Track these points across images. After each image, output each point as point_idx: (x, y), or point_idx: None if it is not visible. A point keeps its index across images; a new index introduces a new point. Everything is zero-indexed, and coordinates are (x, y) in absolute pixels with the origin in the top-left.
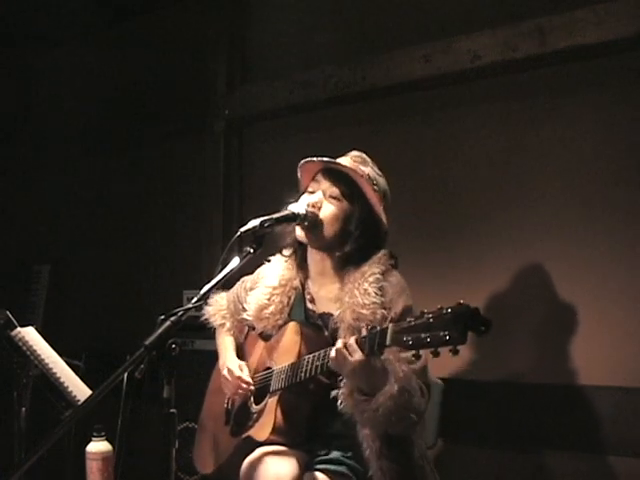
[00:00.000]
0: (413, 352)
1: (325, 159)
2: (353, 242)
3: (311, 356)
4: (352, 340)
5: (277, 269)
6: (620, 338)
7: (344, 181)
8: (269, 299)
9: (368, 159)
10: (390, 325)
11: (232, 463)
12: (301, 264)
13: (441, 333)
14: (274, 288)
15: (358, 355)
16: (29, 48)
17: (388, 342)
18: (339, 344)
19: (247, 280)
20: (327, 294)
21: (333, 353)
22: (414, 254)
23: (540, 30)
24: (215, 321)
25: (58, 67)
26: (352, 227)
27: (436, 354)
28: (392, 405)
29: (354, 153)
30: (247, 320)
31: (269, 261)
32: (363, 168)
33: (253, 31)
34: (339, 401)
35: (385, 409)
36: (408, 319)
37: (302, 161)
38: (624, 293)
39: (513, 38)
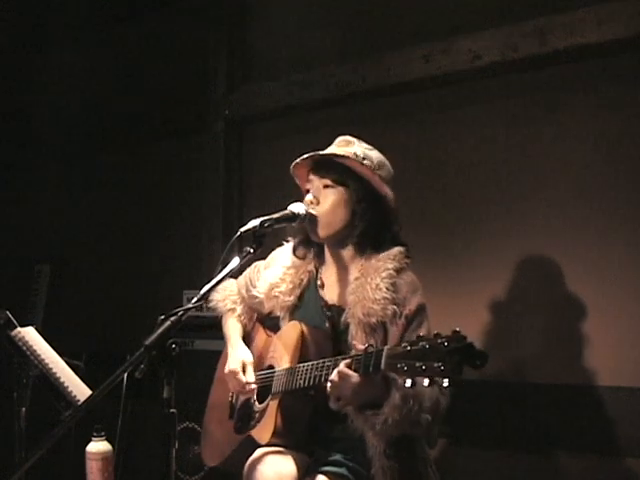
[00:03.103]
0: (407, 379)
1: (305, 155)
2: (360, 219)
3: (311, 364)
4: (343, 366)
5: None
6: (625, 337)
7: (332, 169)
8: (281, 278)
9: (353, 139)
10: (385, 348)
11: (235, 459)
12: (318, 252)
13: (435, 364)
14: (287, 268)
15: (354, 378)
16: (29, 48)
17: (383, 366)
18: (333, 375)
19: (260, 265)
20: (338, 285)
21: (329, 383)
22: (416, 253)
23: (540, 30)
24: (225, 306)
25: (58, 67)
26: (355, 206)
27: (431, 383)
28: (398, 415)
29: (339, 138)
30: (257, 297)
31: (286, 242)
32: (348, 149)
33: (253, 31)
34: (349, 419)
35: (393, 419)
36: (403, 344)
37: (291, 167)
38: (629, 292)
39: (513, 38)
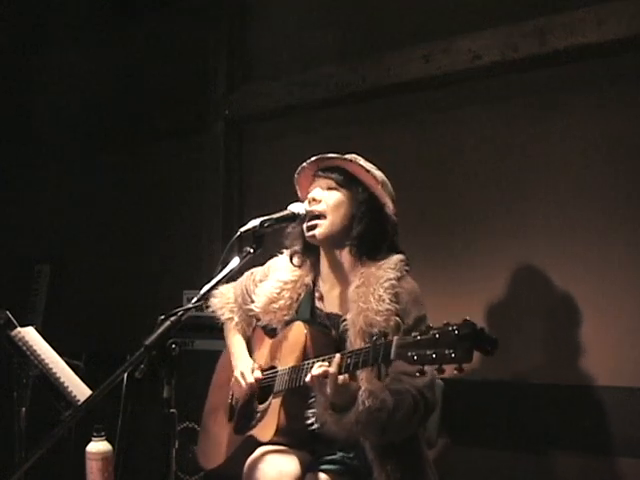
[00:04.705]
0: (418, 367)
1: (313, 158)
2: (358, 222)
3: (316, 360)
4: (335, 367)
5: (290, 264)
6: (625, 338)
7: (337, 172)
8: (279, 293)
9: (360, 157)
10: (395, 338)
11: (235, 460)
12: (314, 263)
13: (446, 351)
14: (285, 283)
15: (337, 378)
16: (29, 48)
17: (393, 356)
18: (315, 371)
19: (257, 272)
20: (338, 294)
21: (308, 378)
22: (416, 254)
23: (540, 30)
24: (223, 315)
25: (58, 67)
26: (354, 210)
27: (440, 371)
28: (355, 432)
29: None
30: (253, 312)
31: (281, 253)
32: (354, 156)
33: (253, 31)
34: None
35: (351, 432)
36: (413, 334)
37: (296, 174)
38: (629, 292)
39: (513, 38)
